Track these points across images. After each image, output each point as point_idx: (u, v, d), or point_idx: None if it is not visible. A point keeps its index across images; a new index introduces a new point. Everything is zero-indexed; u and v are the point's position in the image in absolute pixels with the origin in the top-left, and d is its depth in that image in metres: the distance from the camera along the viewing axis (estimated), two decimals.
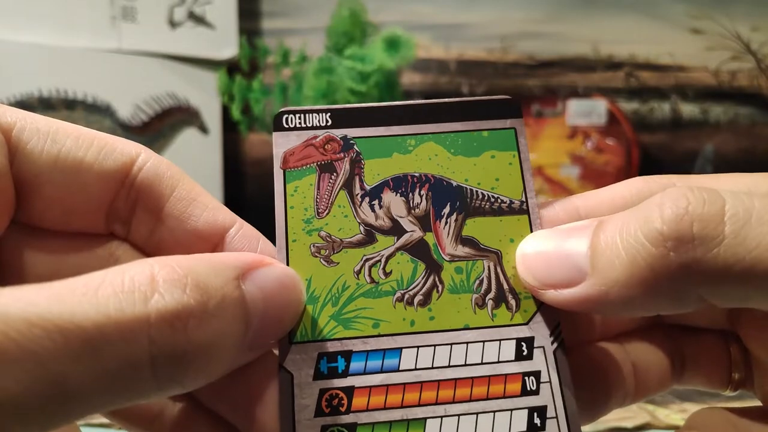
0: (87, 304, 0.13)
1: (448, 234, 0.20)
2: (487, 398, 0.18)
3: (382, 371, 0.18)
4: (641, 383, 0.21)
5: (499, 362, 0.19)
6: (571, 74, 0.82)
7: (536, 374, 0.19)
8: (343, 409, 0.18)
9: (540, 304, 0.20)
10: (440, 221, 0.20)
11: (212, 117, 0.82)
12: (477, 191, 0.21)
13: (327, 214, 0.20)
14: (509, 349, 0.19)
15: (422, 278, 0.20)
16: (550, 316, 0.19)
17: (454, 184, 0.21)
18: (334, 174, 0.20)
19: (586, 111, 0.80)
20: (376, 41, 0.65)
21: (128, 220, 0.20)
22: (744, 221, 0.15)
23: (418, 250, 0.20)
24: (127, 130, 0.77)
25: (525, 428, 0.18)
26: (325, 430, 0.18)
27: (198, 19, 0.80)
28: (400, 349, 0.19)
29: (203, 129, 0.83)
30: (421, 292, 0.19)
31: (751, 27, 0.80)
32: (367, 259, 0.20)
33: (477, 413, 0.18)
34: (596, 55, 0.82)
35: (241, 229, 0.20)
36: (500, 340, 0.19)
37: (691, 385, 0.23)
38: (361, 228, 0.20)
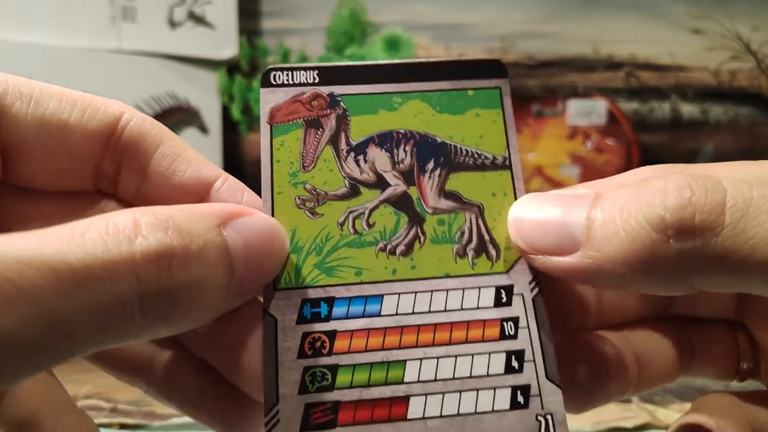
0: (75, 246, 0.14)
1: (432, 188, 0.21)
2: (466, 342, 0.19)
3: (363, 316, 0.19)
4: (644, 373, 0.21)
5: (478, 308, 0.19)
6: (571, 74, 0.82)
7: (515, 320, 0.19)
8: (325, 351, 0.18)
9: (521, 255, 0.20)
10: (424, 176, 0.21)
11: (212, 117, 0.82)
12: (461, 147, 0.21)
13: (312, 168, 0.21)
14: (488, 296, 0.20)
15: (405, 230, 0.20)
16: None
17: (439, 140, 0.21)
18: (320, 129, 0.21)
19: (586, 111, 0.80)
20: (376, 41, 0.65)
21: (115, 177, 0.20)
22: (743, 211, 0.16)
23: (402, 203, 0.21)
24: None
25: (503, 371, 0.19)
26: (307, 371, 0.18)
27: (198, 19, 0.80)
28: (382, 295, 0.19)
29: (203, 129, 0.83)
30: (403, 243, 0.20)
31: (751, 27, 0.80)
32: (351, 212, 0.20)
33: (456, 356, 0.19)
34: (596, 55, 0.82)
35: (226, 182, 0.20)
36: (480, 287, 0.20)
37: (698, 376, 0.23)
38: (346, 182, 0.21)
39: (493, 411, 0.18)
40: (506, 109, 0.22)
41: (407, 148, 0.21)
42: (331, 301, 0.19)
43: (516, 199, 0.21)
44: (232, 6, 0.79)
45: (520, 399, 0.18)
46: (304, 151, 0.21)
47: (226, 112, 0.79)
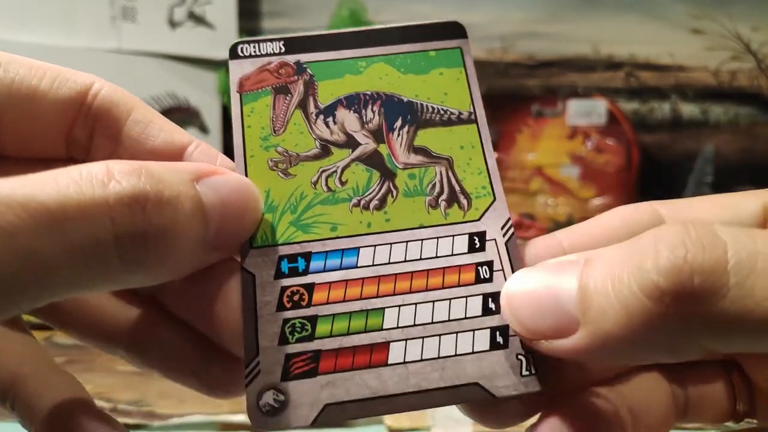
0: (49, 189, 0.14)
1: (401, 144, 0.21)
2: (443, 287, 0.19)
3: (341, 269, 0.19)
4: (641, 428, 0.20)
5: (453, 255, 0.20)
6: (571, 74, 0.82)
7: (489, 264, 0.20)
8: (304, 304, 0.19)
9: (491, 202, 0.21)
10: (393, 133, 0.21)
11: (212, 117, 0.82)
12: (427, 105, 0.22)
13: (283, 131, 0.21)
14: (462, 243, 0.20)
15: (377, 185, 0.21)
16: (501, 212, 0.21)
17: (405, 99, 0.22)
18: (289, 95, 0.22)
19: (586, 111, 0.80)
20: None
21: (87, 144, 0.21)
22: (749, 269, 0.14)
23: (373, 160, 0.21)
24: None
25: (480, 313, 0.19)
26: (287, 323, 0.19)
27: (198, 19, 0.80)
28: (358, 248, 0.20)
29: (203, 129, 0.83)
30: (376, 197, 0.20)
31: (751, 27, 0.81)
32: (324, 171, 0.21)
33: (433, 301, 0.19)
34: (596, 55, 0.82)
35: (198, 147, 0.21)
36: (453, 235, 0.20)
37: (694, 422, 0.22)
38: (317, 143, 0.21)
39: (473, 352, 0.18)
40: (468, 68, 0.23)
41: (375, 108, 0.22)
42: (307, 256, 0.19)
43: (483, 150, 0.21)
44: (232, 6, 0.79)
45: (500, 339, 0.19)
46: (274, 116, 0.21)
47: (226, 112, 0.79)
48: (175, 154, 0.21)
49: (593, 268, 0.16)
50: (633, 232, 0.18)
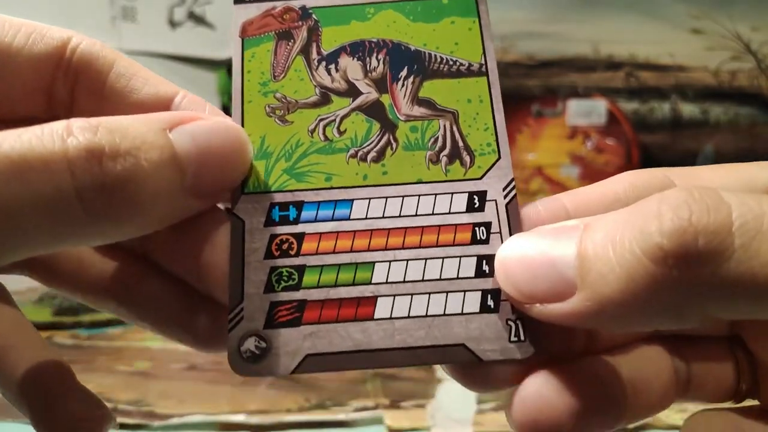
0: (11, 141, 0.15)
1: (405, 95, 0.21)
2: (437, 245, 0.19)
3: (333, 220, 0.19)
4: (639, 402, 0.19)
5: (450, 213, 0.19)
6: (571, 74, 0.82)
7: (487, 225, 0.19)
8: (292, 253, 0.19)
9: (496, 161, 0.20)
10: (397, 83, 0.21)
11: None
12: (435, 55, 0.21)
13: (283, 77, 0.21)
14: (461, 202, 0.19)
15: (377, 137, 0.20)
16: (505, 172, 0.20)
17: (413, 48, 0.21)
18: (291, 41, 0.21)
19: (586, 111, 0.80)
20: None
21: (69, 101, 0.20)
22: (755, 231, 0.14)
23: (374, 110, 0.21)
24: None
25: (473, 274, 0.19)
26: (274, 271, 0.18)
27: (198, 19, 0.80)
28: (352, 200, 0.19)
29: None
30: (374, 149, 0.20)
31: (751, 27, 0.80)
32: (322, 119, 0.20)
33: (426, 259, 0.19)
34: (596, 55, 0.82)
35: (186, 97, 0.20)
36: (452, 193, 0.20)
37: (695, 401, 0.21)
38: (317, 90, 0.21)
39: (462, 313, 0.18)
40: (482, 17, 0.22)
41: (379, 56, 0.21)
42: (299, 205, 0.19)
43: (492, 105, 0.20)
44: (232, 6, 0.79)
45: (490, 303, 0.18)
46: (274, 61, 0.21)
47: (226, 112, 0.79)
48: (162, 106, 0.20)
49: (593, 232, 0.16)
50: (640, 197, 0.18)
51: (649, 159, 0.80)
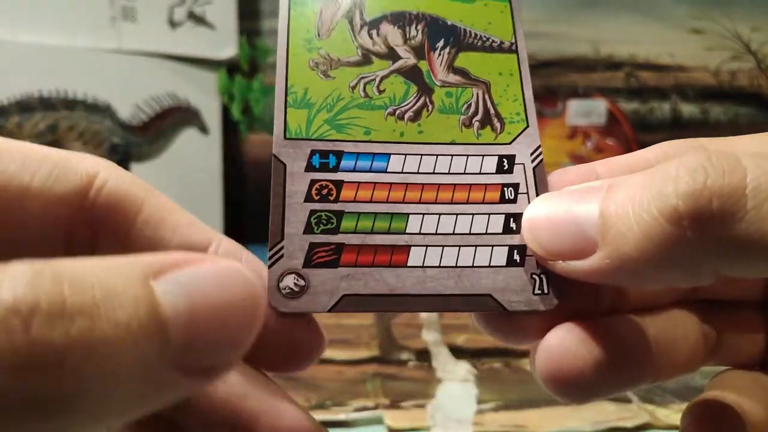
0: None
1: (441, 63, 0.22)
2: (467, 203, 0.20)
3: (370, 171, 0.20)
4: (664, 362, 0.20)
5: (480, 173, 0.20)
6: (571, 74, 0.82)
7: (515, 186, 0.20)
8: (331, 198, 0.19)
9: (524, 128, 0.21)
10: (434, 52, 0.22)
11: (212, 117, 0.82)
12: (470, 30, 0.22)
13: (327, 37, 0.22)
14: (491, 164, 0.20)
15: (414, 98, 0.21)
16: (533, 139, 0.21)
17: (449, 23, 0.22)
18: (336, 5, 0.22)
19: (586, 111, 0.80)
20: None
21: (92, 248, 0.18)
22: (767, 192, 0.14)
23: (412, 74, 0.21)
24: (127, 130, 0.77)
25: (501, 231, 0.19)
26: (313, 214, 0.19)
27: (198, 19, 0.80)
28: (389, 154, 0.20)
29: (203, 129, 0.83)
30: (411, 109, 0.21)
31: (751, 27, 0.81)
32: (363, 77, 0.21)
33: (457, 214, 0.20)
34: (596, 55, 0.82)
35: (220, 246, 0.18)
36: (483, 155, 0.20)
37: (723, 364, 0.22)
38: (359, 51, 0.22)
39: (489, 266, 0.19)
40: (513, 2, 0.23)
41: (419, 27, 0.22)
42: (339, 154, 0.20)
43: (522, 79, 0.22)
44: (232, 6, 0.79)
45: (516, 258, 0.19)
46: (320, 22, 0.22)
47: (226, 112, 0.79)
48: None
49: (615, 193, 0.16)
50: None
51: None
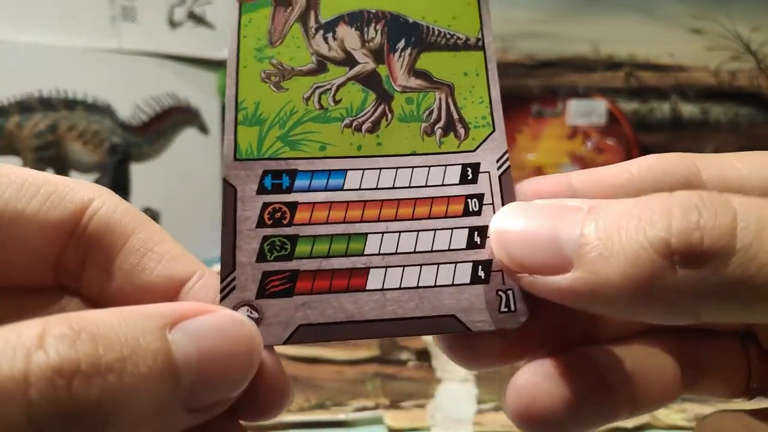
0: None
1: (401, 66, 0.21)
2: (429, 217, 0.19)
3: (326, 190, 0.19)
4: (639, 396, 0.19)
5: (443, 185, 0.19)
6: (571, 74, 0.82)
7: (479, 196, 0.19)
8: (285, 222, 0.18)
9: (490, 133, 0.20)
10: (394, 54, 0.21)
11: (212, 117, 0.82)
12: (433, 28, 0.21)
13: (280, 44, 0.20)
14: (454, 174, 0.19)
15: (372, 107, 0.20)
16: (499, 144, 0.20)
17: (411, 20, 0.21)
18: (290, 8, 0.21)
19: (586, 111, 0.80)
20: None
21: (79, 273, 0.19)
22: (755, 234, 0.14)
23: (370, 80, 0.20)
24: (127, 130, 0.77)
25: (464, 246, 0.19)
26: (266, 240, 0.18)
27: (198, 19, 0.80)
28: (346, 170, 0.19)
29: (203, 129, 0.83)
30: (369, 120, 0.20)
31: (751, 27, 0.81)
32: (318, 87, 0.20)
33: (418, 230, 0.19)
34: (596, 55, 0.82)
35: (199, 280, 0.18)
36: (446, 165, 0.20)
37: (703, 395, 0.21)
38: (313, 58, 0.20)
39: (453, 285, 0.18)
40: None
41: (377, 26, 0.21)
42: (293, 174, 0.19)
43: (488, 79, 0.21)
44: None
45: (481, 274, 0.18)
46: (272, 27, 0.21)
47: (224, 113, 0.79)
48: (172, 290, 0.18)
49: (598, 215, 0.16)
50: (657, 181, 0.18)
51: None
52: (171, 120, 0.80)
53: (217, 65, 0.80)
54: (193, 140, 0.81)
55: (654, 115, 0.82)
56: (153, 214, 0.76)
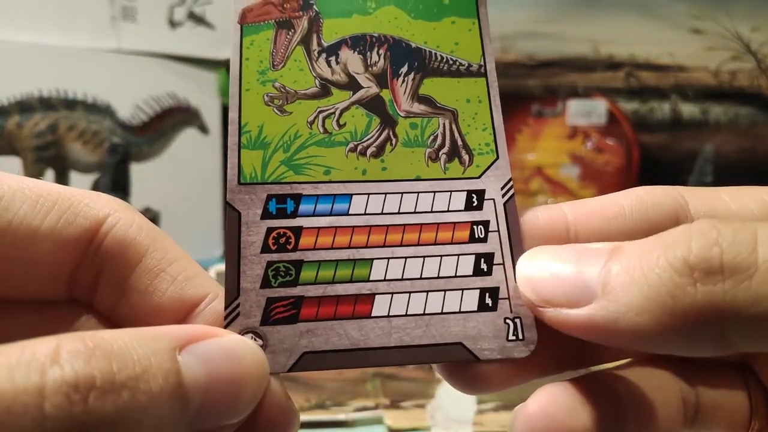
0: None
1: (405, 91, 0.21)
2: (435, 243, 0.19)
3: (331, 214, 0.19)
4: (643, 426, 0.18)
5: (448, 211, 0.19)
6: (571, 74, 0.82)
7: (485, 223, 0.19)
8: (290, 247, 0.18)
9: (494, 161, 0.20)
10: (397, 79, 0.21)
11: (212, 117, 0.82)
12: (436, 53, 0.21)
13: (282, 66, 0.20)
14: (459, 200, 0.19)
15: (376, 132, 0.20)
16: (503, 172, 0.20)
17: (413, 45, 0.21)
18: (292, 30, 0.21)
19: (586, 111, 0.80)
20: None
21: (93, 288, 0.19)
22: None
23: (374, 105, 0.20)
24: (127, 130, 0.77)
25: (471, 272, 0.18)
26: (271, 266, 0.18)
27: (198, 19, 0.80)
28: (351, 195, 0.19)
29: (203, 129, 0.83)
30: (374, 144, 0.20)
31: (751, 27, 0.81)
32: (321, 111, 0.20)
33: (424, 257, 0.19)
34: (596, 55, 0.82)
35: (211, 303, 0.19)
36: (451, 191, 0.19)
37: (704, 431, 0.20)
38: (317, 81, 0.20)
39: (459, 312, 0.18)
40: (482, 19, 0.22)
41: (380, 51, 0.21)
42: (297, 198, 0.19)
43: (491, 106, 0.21)
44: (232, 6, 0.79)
45: (488, 301, 0.18)
46: (274, 50, 0.20)
47: (226, 112, 0.79)
48: (183, 312, 0.18)
49: (622, 253, 0.16)
50: (648, 213, 0.18)
51: (649, 159, 0.80)
52: (171, 120, 0.80)
53: (217, 65, 0.80)
54: (193, 140, 0.81)
55: (654, 115, 0.82)
56: (153, 214, 0.76)
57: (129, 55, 0.76)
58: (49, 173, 0.74)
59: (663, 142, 0.82)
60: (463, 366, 0.18)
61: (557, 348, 0.19)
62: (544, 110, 0.81)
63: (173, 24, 0.79)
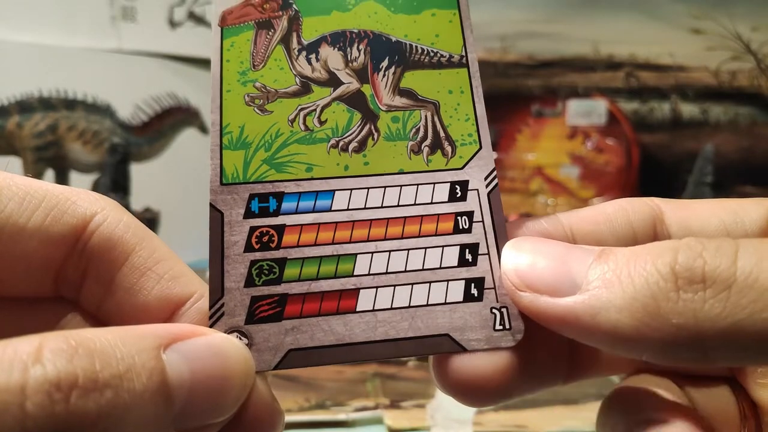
0: None
1: (386, 85, 0.21)
2: (419, 236, 0.19)
3: (314, 211, 0.19)
4: None
5: (432, 203, 0.19)
6: (571, 74, 0.82)
7: (469, 214, 0.19)
8: (273, 245, 0.18)
9: (477, 151, 0.20)
10: (378, 73, 0.21)
11: None
12: (416, 46, 0.21)
13: (262, 66, 0.20)
14: (443, 192, 0.19)
15: (358, 127, 0.20)
16: (486, 162, 0.20)
17: (393, 39, 0.21)
18: (272, 30, 0.21)
19: (586, 111, 0.80)
20: None
21: (79, 285, 0.19)
22: (757, 260, 0.15)
23: (355, 100, 0.20)
24: (127, 130, 0.77)
25: (456, 263, 0.19)
26: (254, 265, 0.18)
27: (198, 19, 0.80)
28: (333, 191, 0.19)
29: (203, 129, 0.83)
30: (356, 139, 0.20)
31: (751, 27, 0.81)
32: (302, 108, 0.20)
33: (408, 249, 0.19)
34: (596, 55, 0.82)
35: (197, 302, 0.19)
36: (434, 183, 0.19)
37: None
38: (297, 80, 0.20)
39: (445, 303, 0.18)
40: (462, 9, 0.22)
41: (361, 46, 0.21)
42: (279, 196, 0.19)
43: (473, 96, 0.21)
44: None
45: (474, 291, 0.18)
46: (254, 50, 0.20)
47: None
48: (168, 311, 0.18)
49: (609, 255, 0.16)
50: (629, 219, 0.19)
51: (649, 159, 0.80)
52: (171, 120, 0.80)
53: None
54: (193, 140, 0.81)
55: (654, 115, 0.82)
56: (153, 214, 0.76)
57: (129, 55, 0.76)
58: (49, 173, 0.74)
59: (663, 142, 0.82)
60: (461, 378, 0.18)
61: (543, 351, 0.19)
62: (544, 110, 0.81)
63: (173, 24, 0.79)
